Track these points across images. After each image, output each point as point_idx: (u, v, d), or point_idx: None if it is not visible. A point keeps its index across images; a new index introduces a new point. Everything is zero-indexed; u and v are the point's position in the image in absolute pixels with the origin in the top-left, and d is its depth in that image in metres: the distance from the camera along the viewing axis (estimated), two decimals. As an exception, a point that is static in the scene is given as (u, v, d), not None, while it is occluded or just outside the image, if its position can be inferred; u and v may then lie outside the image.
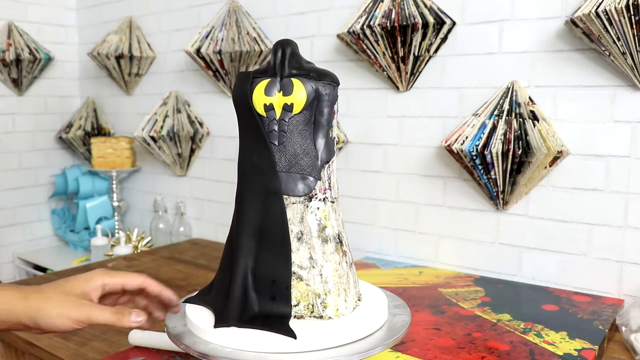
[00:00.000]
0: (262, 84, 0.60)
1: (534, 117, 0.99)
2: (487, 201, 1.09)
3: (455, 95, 1.11)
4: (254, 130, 0.60)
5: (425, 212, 1.18)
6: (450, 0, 1.09)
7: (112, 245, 1.54)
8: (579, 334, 0.79)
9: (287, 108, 0.59)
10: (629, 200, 0.95)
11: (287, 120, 0.59)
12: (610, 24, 0.85)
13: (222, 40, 1.38)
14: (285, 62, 0.60)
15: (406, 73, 1.14)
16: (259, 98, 0.59)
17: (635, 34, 0.84)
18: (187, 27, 1.57)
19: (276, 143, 0.59)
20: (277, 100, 0.59)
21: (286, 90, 0.59)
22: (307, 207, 0.60)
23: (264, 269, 0.58)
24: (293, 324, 0.57)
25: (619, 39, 0.86)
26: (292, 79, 0.59)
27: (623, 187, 0.95)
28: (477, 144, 0.99)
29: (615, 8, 0.83)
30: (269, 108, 0.59)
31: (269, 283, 0.58)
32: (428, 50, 1.11)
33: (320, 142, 0.60)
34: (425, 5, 1.08)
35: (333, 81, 0.61)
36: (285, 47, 0.60)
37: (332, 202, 0.62)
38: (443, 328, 0.82)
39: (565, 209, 1.01)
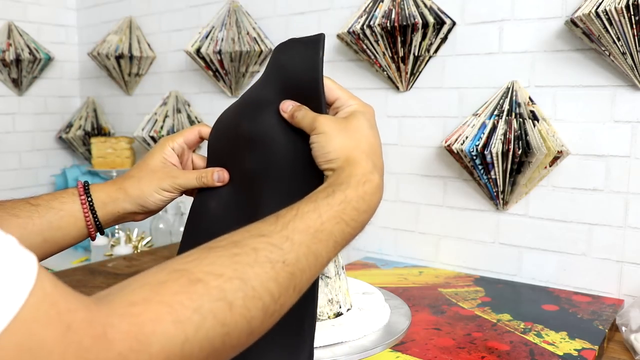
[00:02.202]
0: None
1: (534, 117, 0.99)
2: (487, 201, 1.09)
3: (455, 95, 1.11)
4: None
5: (425, 212, 1.18)
6: (450, 0, 1.09)
7: (112, 245, 1.54)
8: (579, 334, 0.79)
9: None
10: (629, 200, 0.94)
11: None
12: (610, 24, 0.85)
13: (222, 40, 1.38)
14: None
15: (406, 73, 1.14)
16: None
17: (635, 34, 0.84)
18: (187, 27, 1.57)
19: None
20: None
21: None
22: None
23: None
24: None
25: (619, 39, 0.86)
26: None
27: (623, 187, 0.95)
28: (477, 144, 0.99)
29: (615, 8, 0.83)
30: None
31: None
32: (428, 50, 1.11)
33: None
34: (425, 5, 1.08)
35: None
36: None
37: None
38: (443, 328, 0.82)
39: (565, 208, 1.01)
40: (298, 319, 0.47)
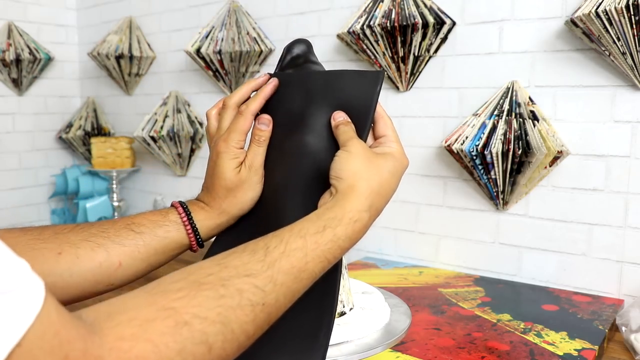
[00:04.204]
0: None
1: (534, 117, 0.99)
2: (487, 201, 1.09)
3: (455, 95, 1.11)
4: None
5: (425, 212, 1.18)
6: (450, 0, 1.09)
7: (112, 245, 1.54)
8: (579, 334, 0.79)
9: None
10: (629, 200, 0.94)
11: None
12: (610, 24, 0.85)
13: (222, 40, 1.38)
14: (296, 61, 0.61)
15: (406, 73, 1.14)
16: None
17: (635, 34, 0.84)
18: (187, 27, 1.57)
19: None
20: None
21: None
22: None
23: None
24: None
25: (619, 39, 0.86)
26: None
27: (623, 187, 0.95)
28: (477, 144, 0.99)
29: (615, 8, 0.83)
30: None
31: None
32: (428, 50, 1.11)
33: None
34: (425, 5, 1.08)
35: None
36: (292, 47, 0.61)
37: None
38: (443, 328, 0.82)
39: (565, 209, 1.01)
40: (315, 326, 0.48)
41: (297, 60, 0.60)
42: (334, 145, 0.52)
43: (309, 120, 0.55)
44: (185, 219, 0.56)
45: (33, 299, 0.27)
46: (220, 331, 0.36)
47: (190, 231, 0.56)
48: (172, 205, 0.57)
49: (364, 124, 0.53)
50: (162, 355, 0.33)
